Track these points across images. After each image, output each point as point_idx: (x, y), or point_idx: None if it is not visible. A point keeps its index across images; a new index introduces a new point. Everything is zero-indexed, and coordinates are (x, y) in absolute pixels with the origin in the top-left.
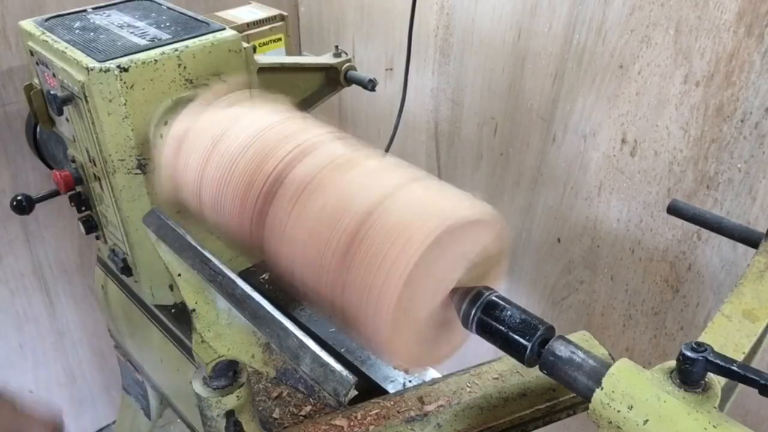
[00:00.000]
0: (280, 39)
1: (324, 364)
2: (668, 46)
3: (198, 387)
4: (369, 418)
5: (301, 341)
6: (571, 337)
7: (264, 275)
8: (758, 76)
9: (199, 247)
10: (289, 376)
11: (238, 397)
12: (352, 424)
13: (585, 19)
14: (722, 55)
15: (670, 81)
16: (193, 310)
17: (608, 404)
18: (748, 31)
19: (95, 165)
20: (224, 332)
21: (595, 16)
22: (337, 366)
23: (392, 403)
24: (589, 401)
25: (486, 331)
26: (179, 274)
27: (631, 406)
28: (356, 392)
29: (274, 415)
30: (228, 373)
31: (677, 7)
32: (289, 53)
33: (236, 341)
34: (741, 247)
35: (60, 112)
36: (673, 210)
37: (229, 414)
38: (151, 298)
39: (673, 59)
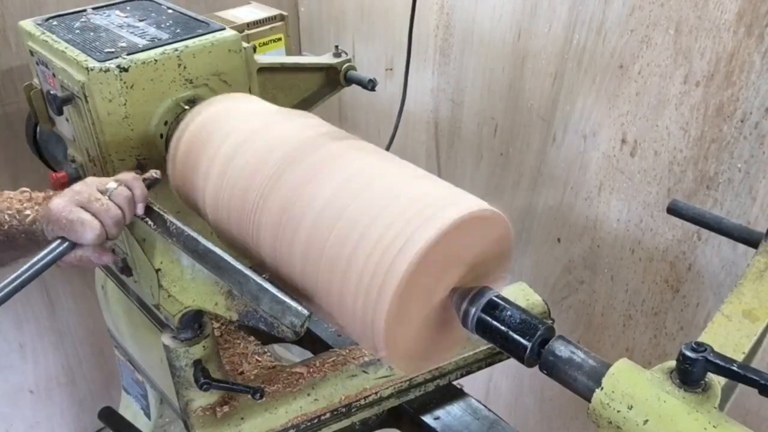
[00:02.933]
0: (280, 39)
1: (281, 302)
2: (668, 46)
3: (167, 340)
4: (327, 364)
5: (260, 284)
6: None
7: (264, 275)
8: (758, 76)
9: (161, 212)
10: (250, 317)
11: (204, 347)
12: (311, 370)
13: (585, 19)
14: (722, 55)
15: (670, 81)
16: (159, 269)
17: (608, 404)
18: (748, 31)
19: (95, 165)
20: (189, 286)
21: (595, 16)
22: (293, 302)
23: (348, 351)
24: (589, 401)
25: (486, 330)
26: (144, 239)
27: (631, 406)
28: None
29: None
30: (194, 325)
31: (677, 7)
32: (289, 53)
33: (200, 292)
34: (741, 247)
35: (60, 112)
36: (673, 210)
37: (197, 363)
38: (151, 298)
39: (673, 59)
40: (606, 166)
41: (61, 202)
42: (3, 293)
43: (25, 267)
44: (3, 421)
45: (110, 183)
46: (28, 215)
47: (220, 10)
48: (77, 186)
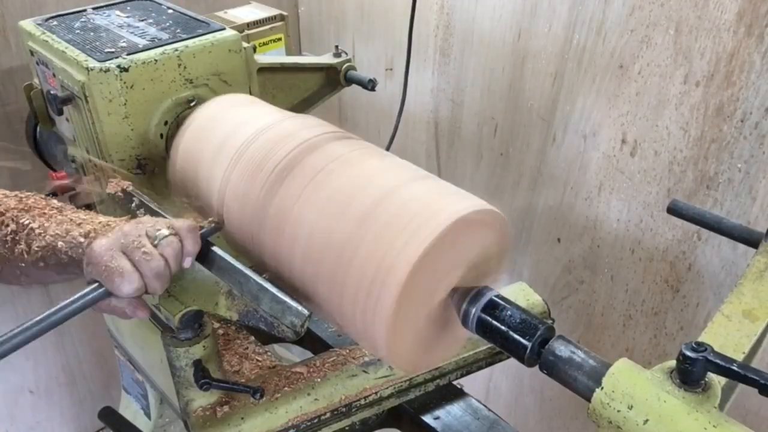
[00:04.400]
0: (280, 39)
1: (281, 302)
2: (668, 46)
3: (167, 340)
4: (327, 364)
5: (260, 284)
6: (507, 289)
7: (264, 275)
8: (758, 76)
9: (161, 212)
10: (250, 317)
11: (204, 347)
12: (311, 370)
13: (585, 19)
14: (722, 55)
15: (670, 81)
16: None
17: (608, 404)
18: (748, 31)
19: (95, 165)
20: (189, 286)
21: (595, 16)
22: (293, 302)
23: (348, 351)
24: (589, 401)
25: (486, 330)
26: None
27: (631, 406)
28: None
29: (242, 370)
30: (194, 325)
31: (677, 7)
32: (289, 53)
33: (201, 292)
34: (741, 247)
35: (60, 112)
36: (673, 210)
37: (197, 363)
38: (151, 298)
39: (673, 59)
40: (606, 166)
41: (105, 244)
42: (27, 334)
43: (54, 309)
44: (3, 421)
45: (163, 229)
46: (82, 244)
47: (220, 10)
48: (127, 227)
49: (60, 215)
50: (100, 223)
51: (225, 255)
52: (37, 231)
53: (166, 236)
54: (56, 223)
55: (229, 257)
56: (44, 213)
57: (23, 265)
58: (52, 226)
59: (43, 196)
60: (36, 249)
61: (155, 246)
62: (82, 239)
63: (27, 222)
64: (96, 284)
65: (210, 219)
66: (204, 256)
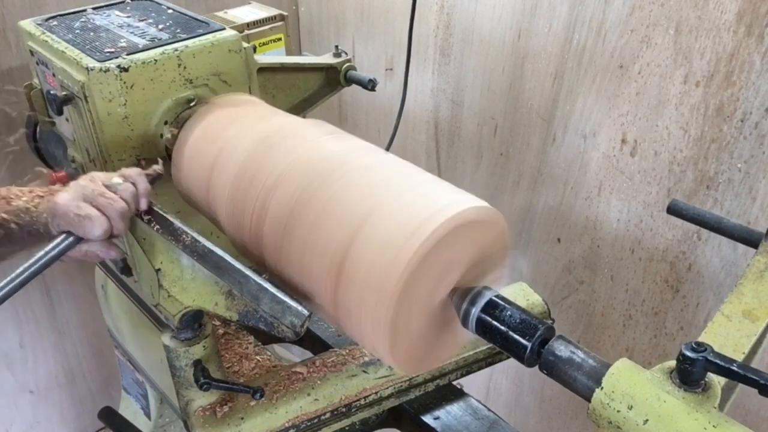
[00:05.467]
0: (280, 39)
1: (281, 302)
2: (668, 46)
3: (167, 340)
4: (327, 364)
5: (260, 285)
6: (507, 289)
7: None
8: (758, 76)
9: (160, 211)
10: (250, 317)
11: (204, 347)
12: (311, 370)
13: (585, 19)
14: (722, 55)
15: (670, 81)
16: (159, 269)
17: (608, 404)
18: (748, 31)
19: (95, 165)
20: (189, 286)
21: (595, 16)
22: (293, 302)
23: (348, 351)
24: (589, 401)
25: (486, 330)
26: (144, 239)
27: (631, 406)
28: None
29: (242, 370)
30: (194, 325)
31: (677, 7)
32: (289, 53)
33: (200, 292)
34: (741, 247)
35: (60, 112)
36: (673, 210)
37: (197, 363)
38: (151, 298)
39: (673, 59)
40: (606, 166)
41: (68, 197)
42: (8, 288)
43: (30, 262)
44: (3, 421)
45: (115, 178)
46: (29, 209)
47: (220, 10)
48: (82, 180)
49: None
50: (39, 190)
51: (224, 254)
52: None
53: (122, 183)
54: None
55: (229, 256)
56: None
57: None
58: None
59: None
60: None
61: (114, 192)
62: (28, 205)
63: None
64: (65, 234)
65: (154, 166)
66: (149, 211)
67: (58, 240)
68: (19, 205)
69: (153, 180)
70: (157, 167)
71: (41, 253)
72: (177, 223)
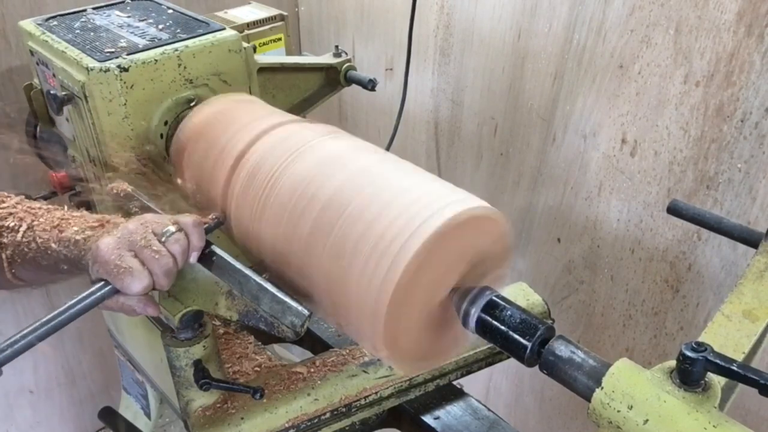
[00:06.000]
0: (280, 39)
1: (281, 302)
2: (668, 46)
3: (167, 340)
4: (327, 364)
5: (260, 284)
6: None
7: (264, 275)
8: (758, 76)
9: (156, 209)
10: (250, 317)
11: (204, 347)
12: (311, 370)
13: (585, 19)
14: (722, 55)
15: (670, 81)
16: None
17: (608, 404)
18: (748, 31)
19: (95, 165)
20: (189, 286)
21: (595, 16)
22: (293, 302)
23: (348, 351)
24: (589, 401)
25: (486, 330)
26: None
27: (631, 406)
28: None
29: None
30: (194, 325)
31: (677, 7)
32: (289, 53)
33: (201, 293)
34: (741, 247)
35: (60, 112)
36: (673, 210)
37: (197, 363)
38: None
39: (673, 59)
40: (606, 166)
41: (112, 243)
42: (34, 335)
43: (63, 308)
44: (3, 421)
45: (168, 226)
46: (79, 242)
47: (220, 10)
48: (131, 224)
49: (46, 214)
50: (92, 220)
51: (224, 254)
52: (27, 232)
53: (173, 233)
54: (44, 221)
55: (229, 256)
56: (27, 211)
57: (13, 270)
58: (41, 226)
59: (24, 195)
60: (27, 251)
61: (162, 243)
62: (78, 237)
63: (13, 224)
64: (102, 282)
65: (212, 214)
66: (204, 254)
67: (94, 288)
68: (70, 236)
69: (210, 229)
70: (217, 215)
71: (74, 300)
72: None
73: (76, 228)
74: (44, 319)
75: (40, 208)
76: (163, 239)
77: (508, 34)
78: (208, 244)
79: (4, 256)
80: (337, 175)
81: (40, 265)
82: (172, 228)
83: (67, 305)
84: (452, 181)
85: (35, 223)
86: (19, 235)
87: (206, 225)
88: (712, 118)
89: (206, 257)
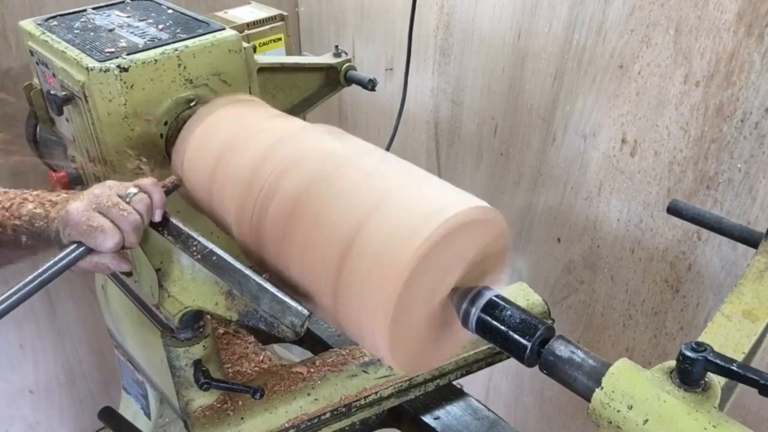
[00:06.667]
0: (280, 39)
1: (281, 302)
2: (668, 46)
3: (167, 340)
4: (327, 364)
5: (260, 284)
6: (507, 289)
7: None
8: (758, 76)
9: (175, 222)
10: (250, 317)
11: (204, 347)
12: (311, 370)
13: (585, 19)
14: (722, 55)
15: (670, 81)
16: (159, 269)
17: (608, 404)
18: (748, 31)
19: (95, 165)
20: (189, 286)
21: (595, 16)
22: (293, 302)
23: (348, 351)
24: (589, 401)
25: (486, 330)
26: (144, 239)
27: (631, 406)
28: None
29: (242, 370)
30: (194, 325)
31: (677, 7)
32: (289, 53)
33: (200, 292)
34: (741, 247)
35: (60, 112)
36: (673, 210)
37: (197, 363)
38: (151, 298)
39: (673, 59)
40: (606, 166)
41: (80, 206)
42: (16, 297)
43: (39, 271)
44: (3, 421)
45: (130, 188)
46: (42, 215)
47: (220, 10)
48: (96, 189)
49: (4, 195)
50: (51, 194)
51: (224, 254)
52: None
53: (136, 193)
54: (2, 200)
55: (229, 256)
56: None
57: None
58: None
59: None
60: None
61: (128, 203)
62: (38, 210)
63: None
64: (75, 244)
65: (170, 177)
66: (163, 221)
67: (68, 250)
68: (30, 210)
69: (169, 191)
70: (174, 178)
71: (50, 263)
72: (178, 223)
73: (33, 204)
74: (24, 282)
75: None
76: (128, 200)
77: (508, 34)
78: (166, 213)
79: None
80: (336, 176)
81: (1, 242)
82: (134, 189)
83: (43, 267)
84: (452, 181)
85: None
86: None
87: (164, 187)
88: (712, 118)
89: (163, 221)
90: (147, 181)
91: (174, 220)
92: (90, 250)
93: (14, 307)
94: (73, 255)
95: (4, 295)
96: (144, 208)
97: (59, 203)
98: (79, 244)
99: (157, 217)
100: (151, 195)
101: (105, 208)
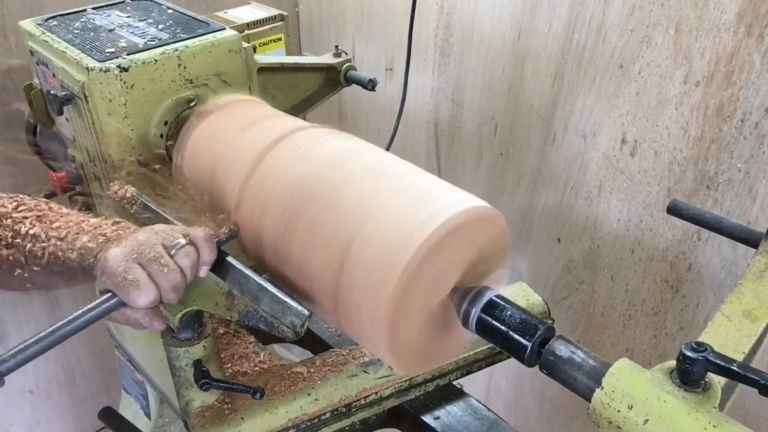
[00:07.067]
0: (280, 39)
1: (281, 302)
2: (668, 46)
3: (167, 340)
4: (327, 364)
5: (260, 284)
6: (507, 289)
7: (264, 275)
8: (758, 76)
9: (159, 210)
10: (250, 317)
11: (204, 347)
12: (311, 370)
13: (585, 19)
14: (722, 55)
15: (670, 81)
16: None
17: (608, 404)
18: (748, 31)
19: (95, 165)
20: (189, 286)
21: (595, 16)
22: (293, 302)
23: (348, 351)
24: (590, 401)
25: (486, 330)
26: None
27: (631, 406)
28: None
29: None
30: (194, 325)
31: (677, 7)
32: (289, 53)
33: (201, 293)
34: (741, 247)
35: (60, 112)
36: (673, 210)
37: (197, 363)
38: None
39: (673, 59)
40: (606, 166)
41: (120, 255)
42: (39, 346)
43: (67, 320)
44: (3, 421)
45: (179, 238)
46: (93, 249)
47: (220, 10)
48: (141, 235)
49: (61, 219)
50: (108, 227)
51: (239, 263)
52: (41, 238)
53: (183, 246)
54: (59, 228)
55: (228, 256)
56: (41, 216)
57: (26, 274)
58: (55, 232)
59: (37, 196)
60: (40, 256)
61: (171, 256)
62: (92, 245)
63: (26, 230)
64: (109, 294)
65: (225, 227)
66: (218, 264)
67: (101, 300)
68: (84, 243)
69: (221, 243)
70: (233, 227)
71: (81, 311)
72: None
73: (88, 237)
74: (48, 330)
75: (52, 211)
76: (172, 252)
77: (508, 34)
78: (223, 254)
79: (16, 259)
80: (337, 175)
81: (54, 271)
82: (183, 241)
83: (72, 316)
84: (452, 181)
85: (50, 229)
86: (33, 242)
87: (218, 239)
88: (712, 118)
89: (219, 266)
90: (199, 233)
91: (233, 261)
92: (123, 303)
93: (34, 357)
94: (105, 306)
95: (24, 345)
96: (189, 265)
97: (112, 240)
98: (113, 294)
99: (203, 274)
100: (199, 249)
101: (145, 261)
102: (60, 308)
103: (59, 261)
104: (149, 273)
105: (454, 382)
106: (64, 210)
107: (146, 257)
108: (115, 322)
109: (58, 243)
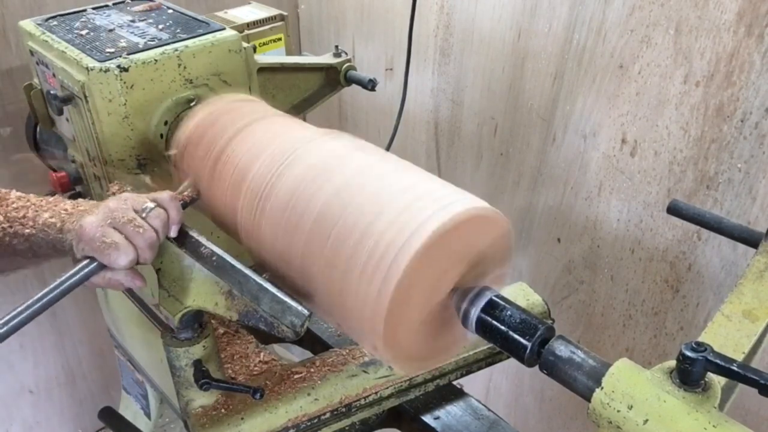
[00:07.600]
0: (280, 39)
1: (281, 302)
2: (668, 46)
3: (167, 340)
4: (327, 364)
5: (260, 284)
6: (507, 289)
7: (264, 275)
8: (758, 76)
9: (194, 235)
10: (250, 317)
11: (204, 347)
12: (311, 370)
13: (585, 19)
14: (722, 55)
15: (670, 81)
16: (159, 269)
17: (608, 404)
18: (748, 31)
19: (95, 165)
20: (189, 286)
21: (595, 16)
22: (293, 302)
23: (348, 351)
24: (589, 401)
25: (486, 330)
26: None
27: (631, 406)
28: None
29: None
30: (194, 325)
31: (677, 7)
32: (289, 53)
33: (201, 292)
34: (741, 247)
35: (60, 112)
36: (673, 210)
37: (197, 363)
38: (152, 298)
39: (673, 59)
40: (606, 166)
41: (95, 221)
42: (28, 312)
43: (51, 287)
44: (3, 421)
45: (147, 203)
46: (57, 225)
47: (220, 10)
48: (112, 203)
49: (19, 201)
50: (68, 203)
51: (224, 254)
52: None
53: (153, 208)
54: (17, 208)
55: (229, 256)
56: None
57: None
58: (14, 212)
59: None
60: (1, 237)
61: (143, 218)
62: (54, 220)
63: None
64: (89, 259)
65: (187, 191)
66: (180, 233)
67: (81, 266)
68: (46, 219)
69: (186, 205)
70: (192, 191)
71: (62, 278)
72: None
73: (49, 213)
74: (35, 298)
75: (10, 196)
76: (144, 215)
77: (508, 34)
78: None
79: None
80: (336, 175)
81: (16, 250)
82: (151, 204)
83: (55, 283)
84: (452, 181)
85: (10, 211)
86: None
87: (182, 201)
88: (712, 118)
89: (181, 235)
90: (164, 195)
91: (192, 233)
92: (103, 266)
93: (25, 323)
94: (86, 271)
95: (14, 312)
96: (160, 224)
97: (74, 214)
98: (92, 259)
99: (173, 233)
100: (167, 210)
101: (120, 224)
102: (60, 308)
103: (22, 239)
104: (126, 235)
105: (454, 382)
106: (22, 194)
107: (120, 221)
108: (96, 286)
109: (18, 221)
